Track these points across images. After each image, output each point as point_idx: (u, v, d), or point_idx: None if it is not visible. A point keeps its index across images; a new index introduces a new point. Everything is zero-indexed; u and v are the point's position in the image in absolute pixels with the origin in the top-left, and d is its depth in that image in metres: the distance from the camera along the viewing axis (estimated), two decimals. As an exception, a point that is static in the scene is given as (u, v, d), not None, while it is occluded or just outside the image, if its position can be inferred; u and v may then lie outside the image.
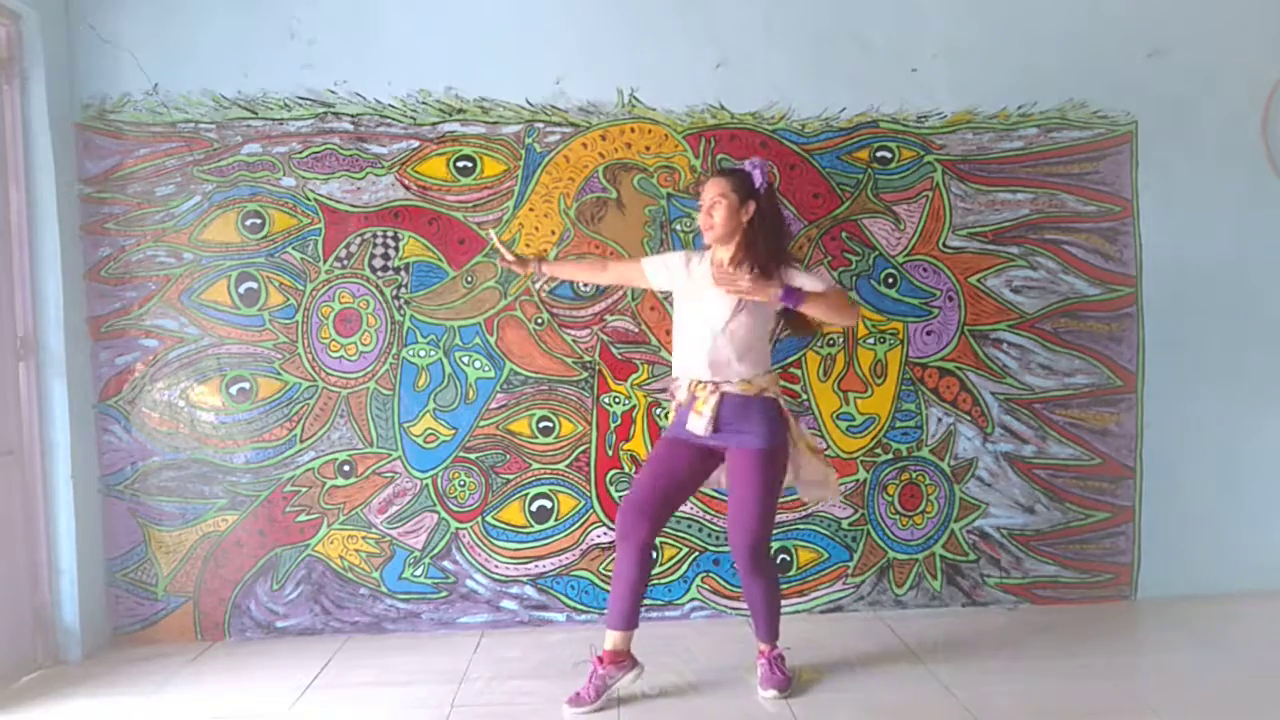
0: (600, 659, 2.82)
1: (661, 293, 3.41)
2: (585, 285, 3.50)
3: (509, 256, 3.04)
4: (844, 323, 2.92)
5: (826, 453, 3.57)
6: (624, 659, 2.83)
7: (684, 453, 2.84)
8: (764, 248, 2.73)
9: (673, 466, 2.84)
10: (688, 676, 3.01)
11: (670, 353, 3.27)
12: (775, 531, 3.54)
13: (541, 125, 3.50)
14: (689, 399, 2.82)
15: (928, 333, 3.60)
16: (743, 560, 2.82)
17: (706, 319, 2.78)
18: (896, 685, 2.91)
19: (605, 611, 2.93)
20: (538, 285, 3.49)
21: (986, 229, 3.60)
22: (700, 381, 2.79)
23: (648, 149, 3.52)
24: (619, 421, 3.53)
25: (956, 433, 3.62)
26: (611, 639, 2.82)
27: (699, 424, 2.76)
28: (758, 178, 2.76)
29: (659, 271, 2.95)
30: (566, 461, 3.52)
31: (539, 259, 3.16)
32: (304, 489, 3.48)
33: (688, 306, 2.87)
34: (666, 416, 3.49)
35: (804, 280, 2.74)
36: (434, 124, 3.48)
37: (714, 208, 2.76)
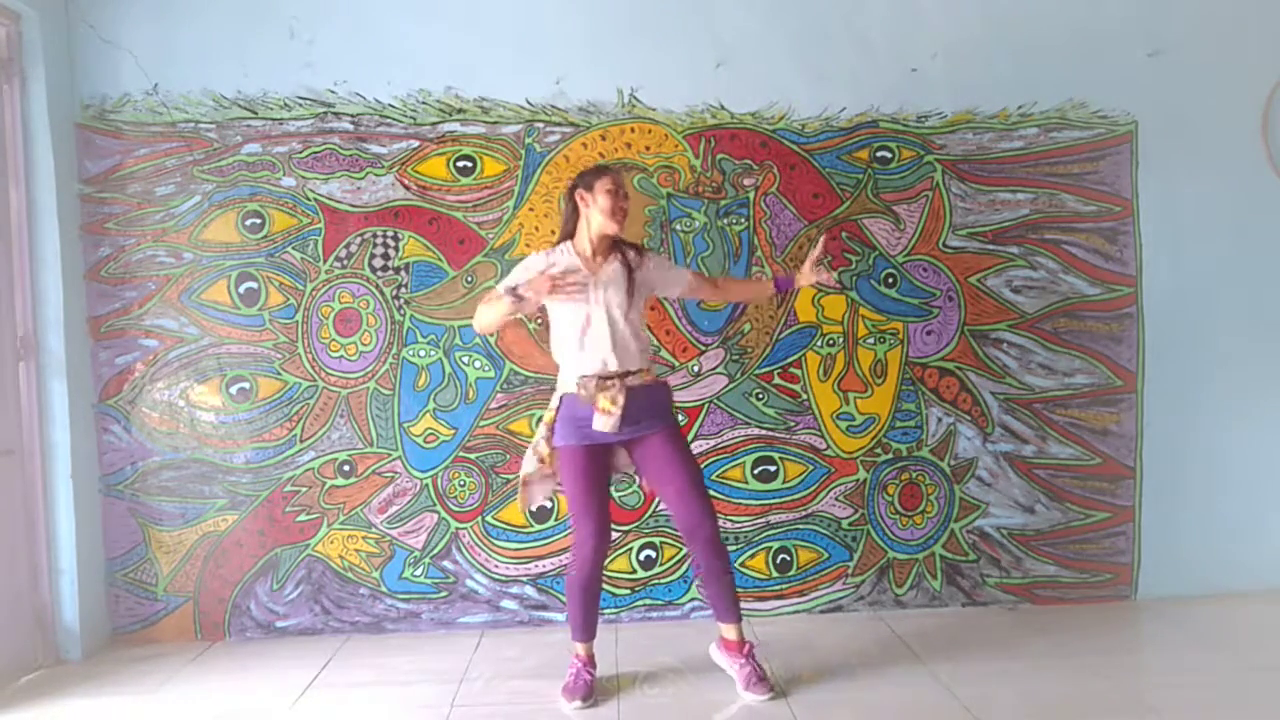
0: (586, 660, 2.90)
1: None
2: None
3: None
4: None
5: (826, 452, 3.58)
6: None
7: (596, 457, 2.81)
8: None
9: (599, 478, 2.82)
10: (687, 676, 3.01)
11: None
12: (775, 531, 3.56)
13: (541, 125, 3.50)
14: (590, 399, 2.76)
15: (928, 333, 3.60)
16: (708, 538, 2.79)
17: (605, 312, 2.78)
18: (896, 685, 2.91)
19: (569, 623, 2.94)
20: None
21: (986, 229, 3.60)
22: (602, 378, 2.76)
23: (648, 149, 3.52)
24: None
25: (956, 433, 3.62)
26: (586, 647, 2.92)
27: (607, 422, 2.73)
28: None
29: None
30: (566, 461, 3.52)
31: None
32: (304, 489, 3.48)
33: (573, 306, 2.80)
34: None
35: (671, 268, 3.02)
36: (434, 124, 3.48)
37: (627, 200, 2.84)
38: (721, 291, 3.13)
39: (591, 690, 2.83)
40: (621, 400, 2.74)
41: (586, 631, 2.89)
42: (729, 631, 2.89)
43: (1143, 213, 3.63)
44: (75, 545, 3.28)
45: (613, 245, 2.87)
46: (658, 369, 3.40)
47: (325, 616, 3.51)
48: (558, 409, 2.84)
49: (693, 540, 2.83)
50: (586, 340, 2.79)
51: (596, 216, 2.80)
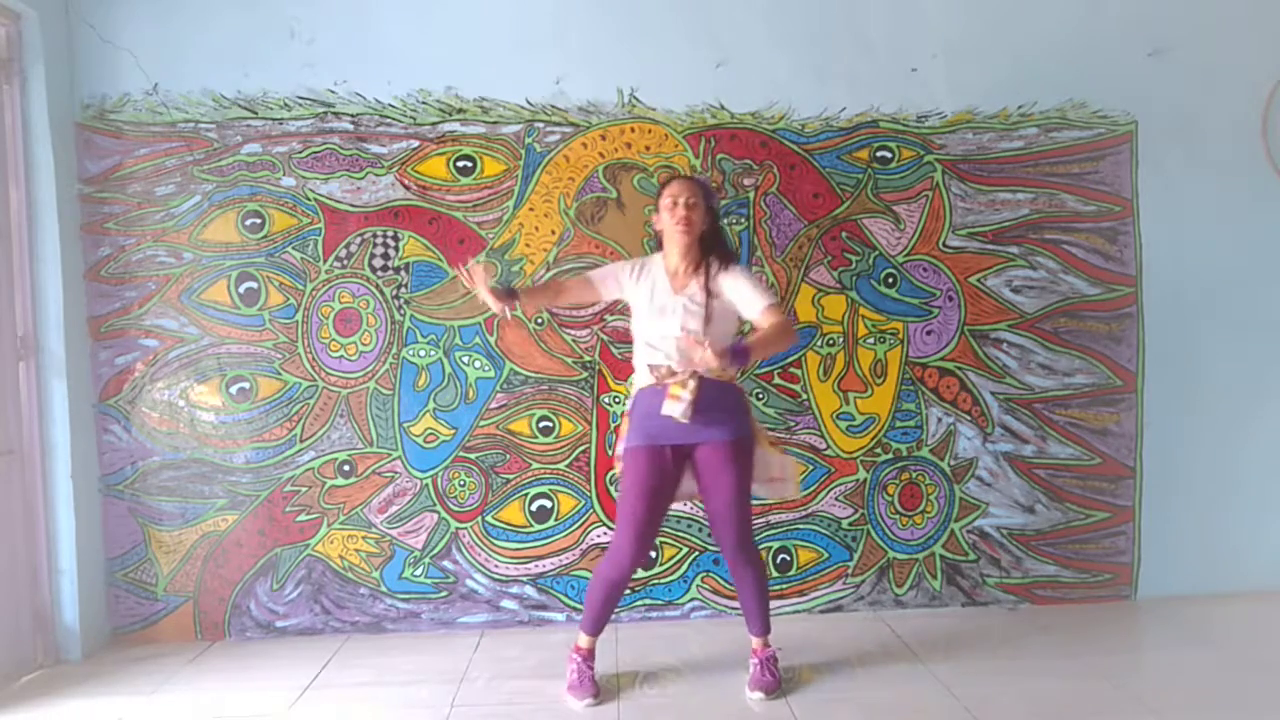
0: (587, 654, 2.91)
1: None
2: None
3: (484, 294, 2.78)
4: (783, 349, 2.90)
5: (826, 452, 3.58)
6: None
7: (660, 461, 2.79)
8: (721, 249, 2.89)
9: (657, 487, 2.79)
10: (687, 676, 3.01)
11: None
12: (775, 531, 3.56)
13: (541, 125, 3.50)
14: (660, 386, 2.76)
15: (928, 332, 3.60)
16: (732, 554, 2.84)
17: (678, 324, 2.77)
18: (896, 685, 2.91)
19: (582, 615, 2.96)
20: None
21: (986, 229, 3.60)
22: (674, 371, 2.77)
23: (648, 149, 3.52)
24: (619, 421, 3.52)
25: (956, 433, 3.62)
26: (590, 641, 2.92)
27: (677, 408, 2.70)
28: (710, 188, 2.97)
29: (608, 282, 2.93)
30: (566, 461, 3.53)
31: (510, 294, 2.83)
32: (304, 489, 3.48)
33: (651, 315, 2.83)
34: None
35: (747, 295, 2.77)
36: (434, 124, 3.48)
37: (694, 210, 2.81)
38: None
39: (598, 686, 2.85)
40: (694, 385, 2.71)
41: (596, 625, 2.89)
42: (755, 644, 2.93)
43: (1143, 213, 3.63)
44: (75, 545, 3.28)
45: (700, 260, 2.84)
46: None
47: (325, 616, 3.51)
48: (629, 411, 2.88)
49: (722, 553, 2.90)
50: (657, 347, 2.81)
51: (668, 231, 2.85)
